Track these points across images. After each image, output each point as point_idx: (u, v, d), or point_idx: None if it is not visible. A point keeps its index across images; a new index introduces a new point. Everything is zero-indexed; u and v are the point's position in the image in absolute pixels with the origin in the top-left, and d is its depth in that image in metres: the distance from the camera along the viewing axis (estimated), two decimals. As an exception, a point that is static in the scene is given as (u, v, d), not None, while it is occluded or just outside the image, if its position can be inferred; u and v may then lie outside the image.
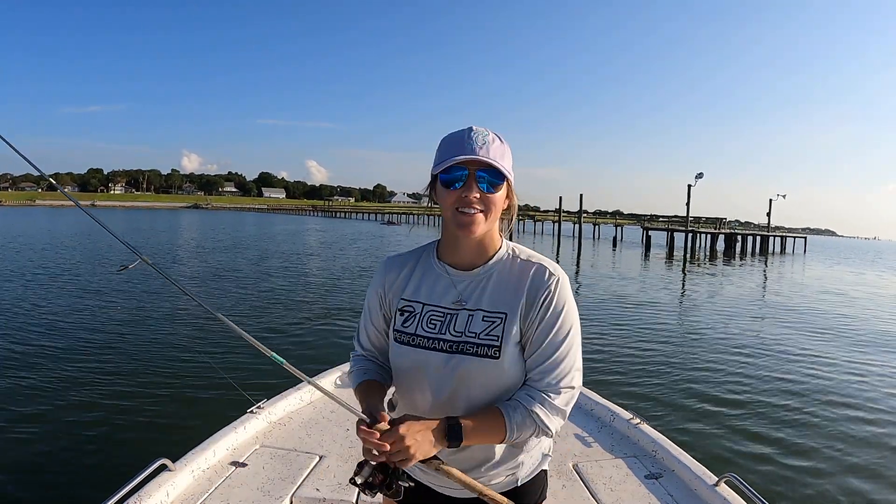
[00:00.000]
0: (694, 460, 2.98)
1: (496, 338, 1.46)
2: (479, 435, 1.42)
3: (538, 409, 1.43)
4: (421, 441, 1.33)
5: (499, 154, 1.43)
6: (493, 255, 1.54)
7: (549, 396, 1.44)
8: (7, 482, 4.76)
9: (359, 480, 1.38)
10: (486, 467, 1.55)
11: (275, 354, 1.61)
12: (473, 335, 1.48)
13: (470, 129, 1.45)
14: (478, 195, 1.42)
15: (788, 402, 7.25)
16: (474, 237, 1.48)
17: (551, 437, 1.55)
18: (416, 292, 1.58)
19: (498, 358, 1.46)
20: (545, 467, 1.68)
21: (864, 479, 5.24)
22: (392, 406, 1.67)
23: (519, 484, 1.60)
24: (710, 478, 2.76)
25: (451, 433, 1.37)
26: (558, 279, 1.49)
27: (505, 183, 1.46)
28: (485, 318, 1.49)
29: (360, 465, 1.39)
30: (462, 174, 1.41)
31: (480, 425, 1.41)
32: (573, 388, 1.48)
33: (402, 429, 1.32)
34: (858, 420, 6.71)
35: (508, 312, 1.48)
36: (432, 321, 1.52)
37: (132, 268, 1.84)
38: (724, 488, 2.66)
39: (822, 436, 6.18)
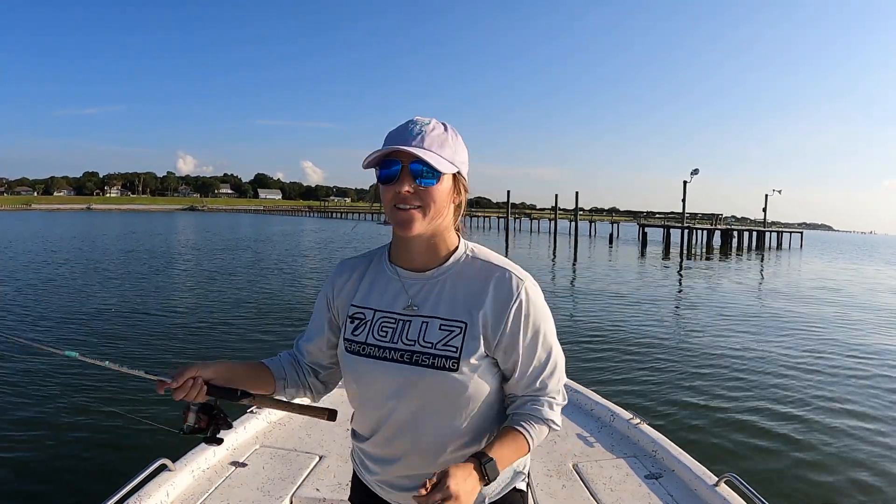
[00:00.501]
0: (694, 460, 2.98)
1: (454, 349, 1.33)
2: (509, 460, 1.33)
3: (551, 415, 1.40)
4: (470, 491, 1.21)
5: (437, 144, 1.30)
6: (449, 256, 1.41)
7: (554, 399, 1.41)
8: (8, 482, 4.77)
9: (186, 429, 1.40)
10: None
11: (68, 351, 1.44)
12: (429, 345, 1.34)
13: (410, 120, 1.35)
14: (411, 189, 1.29)
15: (789, 401, 7.25)
16: (414, 235, 1.33)
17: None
18: (367, 298, 1.45)
19: (455, 371, 1.32)
20: (519, 486, 1.51)
21: (865, 479, 5.23)
22: (354, 433, 1.53)
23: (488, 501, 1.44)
24: (710, 478, 2.76)
25: (489, 471, 1.26)
26: (525, 284, 1.36)
27: (449, 176, 1.32)
28: (442, 327, 1.35)
29: (185, 409, 1.39)
30: (396, 169, 1.29)
31: (508, 451, 1.33)
32: (564, 379, 1.46)
33: (453, 485, 1.17)
34: (859, 419, 6.70)
35: (468, 322, 1.34)
36: (384, 329, 1.39)
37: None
38: (724, 488, 2.66)
39: (823, 435, 6.17)
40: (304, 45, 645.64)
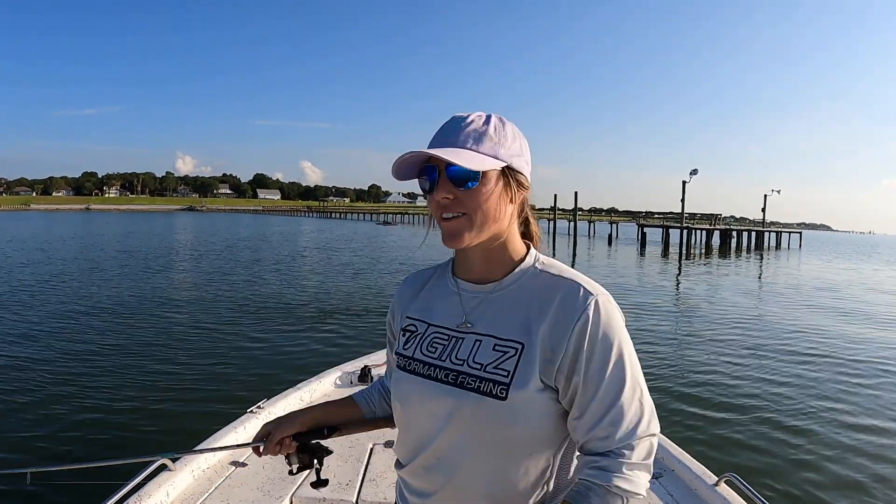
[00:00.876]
0: (694, 460, 2.97)
1: (506, 373, 1.11)
2: None
3: (619, 481, 1.10)
4: None
5: (473, 139, 1.11)
6: (514, 267, 1.21)
7: (625, 455, 1.10)
8: (8, 482, 4.79)
9: (295, 469, 1.51)
10: None
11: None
12: (478, 367, 1.14)
13: (451, 117, 1.17)
14: (450, 196, 1.11)
15: (789, 401, 7.25)
16: (465, 247, 1.15)
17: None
18: (423, 310, 1.30)
19: (504, 399, 1.10)
20: None
21: (865, 479, 5.23)
22: (397, 459, 1.34)
23: None
24: (710, 478, 2.76)
25: None
26: (596, 300, 1.11)
27: (494, 173, 1.12)
28: (496, 347, 1.14)
29: (287, 458, 1.52)
30: (434, 177, 1.13)
31: None
32: (653, 434, 1.14)
33: None
34: (859, 419, 6.70)
35: (526, 343, 1.12)
36: (434, 344, 1.22)
37: None
38: (724, 488, 2.65)
39: (823, 435, 6.18)
40: (303, 46, 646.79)
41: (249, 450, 3.07)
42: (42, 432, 5.75)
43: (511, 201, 1.16)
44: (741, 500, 2.57)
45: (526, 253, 1.23)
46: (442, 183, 1.12)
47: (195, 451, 2.94)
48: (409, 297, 1.35)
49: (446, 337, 1.22)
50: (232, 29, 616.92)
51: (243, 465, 2.98)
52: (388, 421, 1.47)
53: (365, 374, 4.23)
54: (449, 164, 1.10)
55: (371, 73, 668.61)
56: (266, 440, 1.45)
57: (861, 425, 6.50)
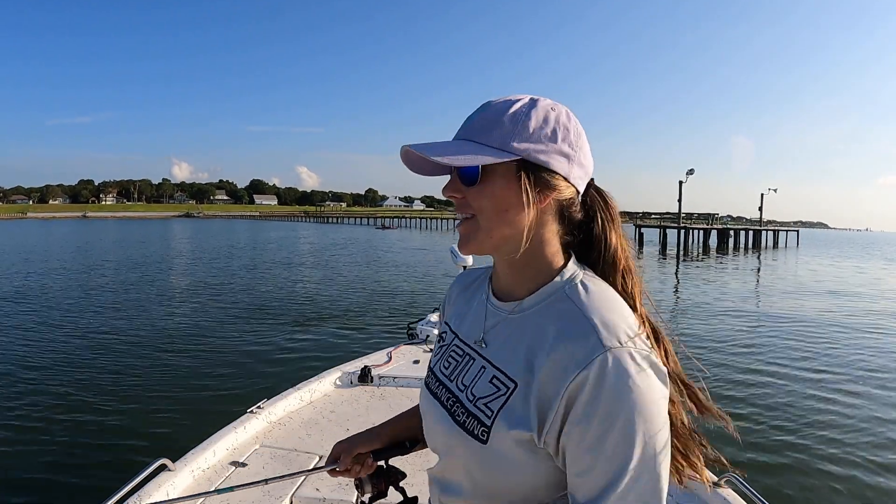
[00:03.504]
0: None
1: (490, 413, 0.95)
2: None
3: None
4: None
5: (480, 128, 0.95)
6: (544, 284, 0.99)
7: None
8: (8, 482, 4.77)
9: (367, 500, 1.37)
10: None
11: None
12: (473, 398, 0.99)
13: (490, 101, 0.99)
14: (457, 195, 0.97)
15: (789, 401, 7.23)
16: (475, 254, 1.01)
17: None
18: (457, 317, 1.17)
19: (485, 442, 0.94)
20: None
21: (865, 479, 5.22)
22: None
23: None
24: (710, 477, 2.76)
25: None
26: (609, 354, 0.85)
27: (507, 167, 0.93)
28: (493, 380, 0.97)
29: (359, 484, 1.38)
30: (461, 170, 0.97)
31: None
32: None
33: None
34: (859, 419, 6.68)
35: (521, 384, 0.93)
36: (450, 359, 1.10)
37: None
38: (724, 488, 2.65)
39: (823, 435, 6.16)
40: (296, 51, 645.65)
41: (249, 450, 3.09)
42: (42, 432, 5.74)
43: (531, 204, 0.94)
44: (741, 500, 2.57)
45: (562, 268, 1.00)
46: (452, 179, 0.99)
47: (195, 451, 2.95)
48: (454, 298, 1.22)
49: (462, 353, 1.08)
50: (220, 35, 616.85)
51: (243, 465, 2.97)
52: None
53: (365, 374, 4.22)
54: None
55: (364, 76, 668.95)
56: (340, 463, 1.32)
57: (862, 425, 6.48)
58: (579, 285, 0.96)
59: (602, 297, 0.94)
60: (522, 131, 0.93)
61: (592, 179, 1.03)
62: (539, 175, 0.94)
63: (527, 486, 0.94)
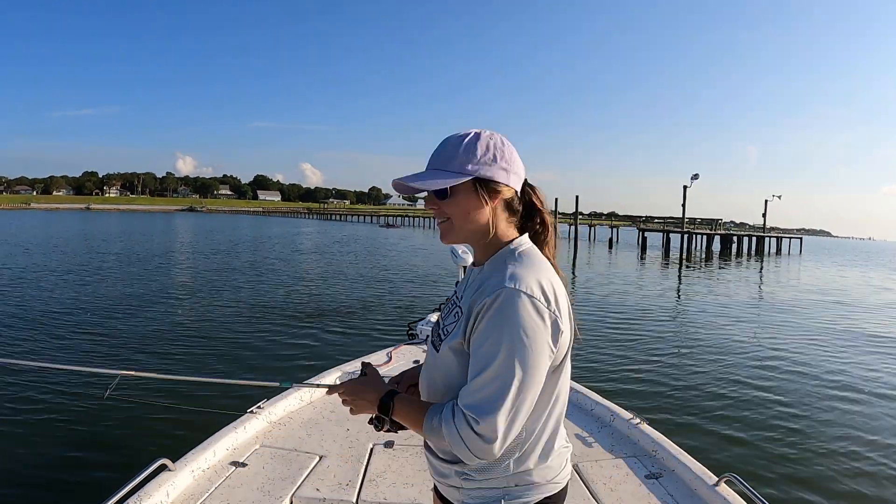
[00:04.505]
0: (694, 460, 2.98)
1: (447, 333, 1.44)
2: (403, 418, 1.44)
3: (441, 424, 1.34)
4: (360, 397, 1.50)
5: (442, 160, 1.42)
6: (494, 253, 1.47)
7: (454, 417, 1.32)
8: (7, 482, 4.76)
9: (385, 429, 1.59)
10: (438, 461, 1.51)
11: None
12: (443, 327, 1.49)
13: (444, 139, 1.46)
14: (434, 207, 1.45)
15: (789, 401, 7.25)
16: (450, 244, 1.54)
17: (472, 463, 1.39)
18: (459, 287, 1.60)
19: (437, 351, 1.46)
20: None
21: (865, 479, 5.22)
22: None
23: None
24: (710, 478, 2.76)
25: (381, 405, 1.45)
26: (501, 292, 1.31)
27: (463, 186, 1.40)
28: (454, 313, 1.46)
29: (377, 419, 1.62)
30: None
31: (406, 410, 1.44)
32: (481, 430, 1.28)
33: (344, 387, 1.54)
34: (859, 419, 6.69)
35: (464, 310, 1.40)
36: (446, 311, 1.53)
37: None
38: (724, 488, 2.66)
39: (823, 435, 6.17)
40: (304, 49, 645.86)
41: (250, 450, 3.09)
42: (42, 432, 5.74)
43: (486, 204, 1.43)
44: (741, 500, 2.58)
45: (510, 242, 1.47)
46: (428, 197, 1.46)
47: (195, 451, 2.96)
48: (463, 276, 1.67)
49: (452, 305, 1.52)
50: (227, 29, 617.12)
51: (243, 465, 2.98)
52: None
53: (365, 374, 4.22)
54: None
55: (370, 76, 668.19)
56: (401, 383, 1.72)
57: (862, 426, 6.49)
58: (516, 251, 1.45)
59: (526, 259, 1.42)
60: (472, 158, 1.40)
61: (526, 180, 1.52)
62: (488, 185, 1.42)
63: (452, 380, 1.41)
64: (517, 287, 1.32)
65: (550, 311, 1.33)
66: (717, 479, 2.72)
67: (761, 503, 2.34)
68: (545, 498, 1.47)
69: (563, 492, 1.53)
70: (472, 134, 1.42)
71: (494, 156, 1.41)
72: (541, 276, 1.37)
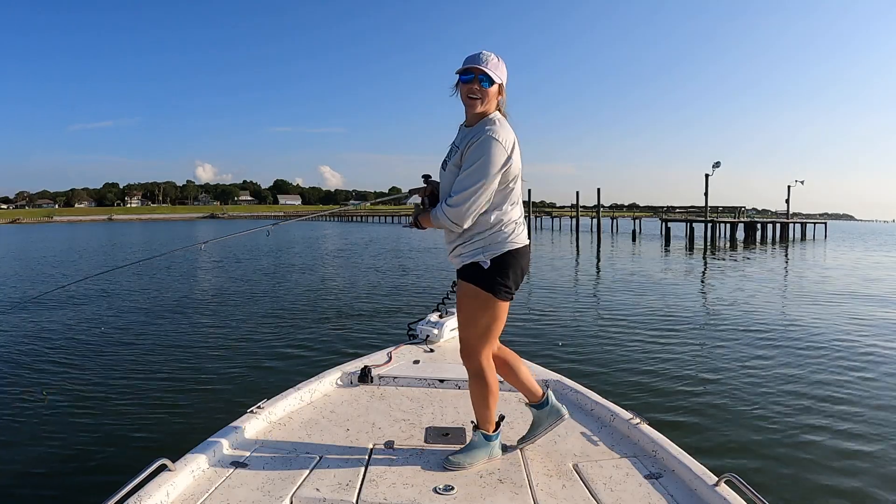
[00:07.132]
0: (694, 460, 2.95)
1: (448, 160, 2.89)
2: (425, 222, 2.96)
3: (442, 206, 2.79)
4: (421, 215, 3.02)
5: (492, 67, 2.74)
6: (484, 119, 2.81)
7: (448, 199, 2.77)
8: (7, 482, 4.84)
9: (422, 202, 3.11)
10: (450, 244, 2.96)
11: None
12: (448, 159, 2.92)
13: (479, 52, 2.76)
14: (477, 87, 2.74)
15: (789, 401, 7.03)
16: (475, 111, 2.78)
17: (456, 227, 2.78)
18: (457, 137, 2.98)
19: (444, 170, 2.91)
20: (480, 260, 2.81)
21: (867, 479, 5.08)
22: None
23: (462, 264, 2.89)
24: (710, 478, 2.73)
25: (421, 211, 3.04)
26: (486, 134, 2.69)
27: (496, 84, 2.78)
28: (454, 151, 2.87)
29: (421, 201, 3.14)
30: (471, 76, 2.74)
31: (424, 217, 2.96)
32: (462, 200, 2.70)
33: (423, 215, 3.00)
34: (862, 420, 6.47)
35: (461, 147, 2.78)
36: (448, 154, 2.96)
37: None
38: (724, 488, 2.63)
39: (825, 436, 5.99)
40: (320, 57, 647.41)
41: (250, 450, 3.12)
42: (42, 432, 5.83)
43: (499, 92, 2.84)
44: (741, 500, 2.54)
45: (493, 115, 2.83)
46: (475, 80, 2.75)
47: (195, 451, 2.99)
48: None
49: (453, 148, 2.94)
50: (243, 37, 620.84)
51: (243, 465, 3.00)
52: None
53: (365, 374, 4.23)
54: (481, 73, 2.73)
55: (386, 85, 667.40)
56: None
57: (864, 426, 6.29)
58: (493, 119, 2.81)
59: (497, 123, 2.78)
60: (500, 72, 2.80)
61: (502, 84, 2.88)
62: (501, 87, 2.85)
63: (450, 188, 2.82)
64: (492, 135, 2.69)
65: (506, 149, 2.71)
66: (717, 479, 2.69)
67: (761, 503, 2.32)
68: (511, 250, 2.82)
69: (526, 248, 2.90)
70: (493, 55, 2.77)
71: (503, 69, 2.80)
72: (506, 133, 2.75)
